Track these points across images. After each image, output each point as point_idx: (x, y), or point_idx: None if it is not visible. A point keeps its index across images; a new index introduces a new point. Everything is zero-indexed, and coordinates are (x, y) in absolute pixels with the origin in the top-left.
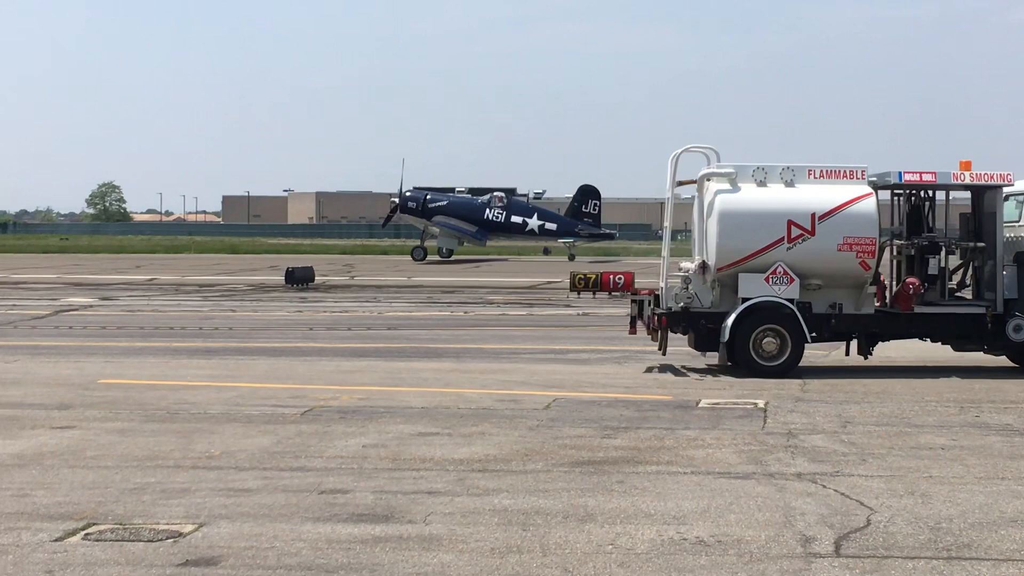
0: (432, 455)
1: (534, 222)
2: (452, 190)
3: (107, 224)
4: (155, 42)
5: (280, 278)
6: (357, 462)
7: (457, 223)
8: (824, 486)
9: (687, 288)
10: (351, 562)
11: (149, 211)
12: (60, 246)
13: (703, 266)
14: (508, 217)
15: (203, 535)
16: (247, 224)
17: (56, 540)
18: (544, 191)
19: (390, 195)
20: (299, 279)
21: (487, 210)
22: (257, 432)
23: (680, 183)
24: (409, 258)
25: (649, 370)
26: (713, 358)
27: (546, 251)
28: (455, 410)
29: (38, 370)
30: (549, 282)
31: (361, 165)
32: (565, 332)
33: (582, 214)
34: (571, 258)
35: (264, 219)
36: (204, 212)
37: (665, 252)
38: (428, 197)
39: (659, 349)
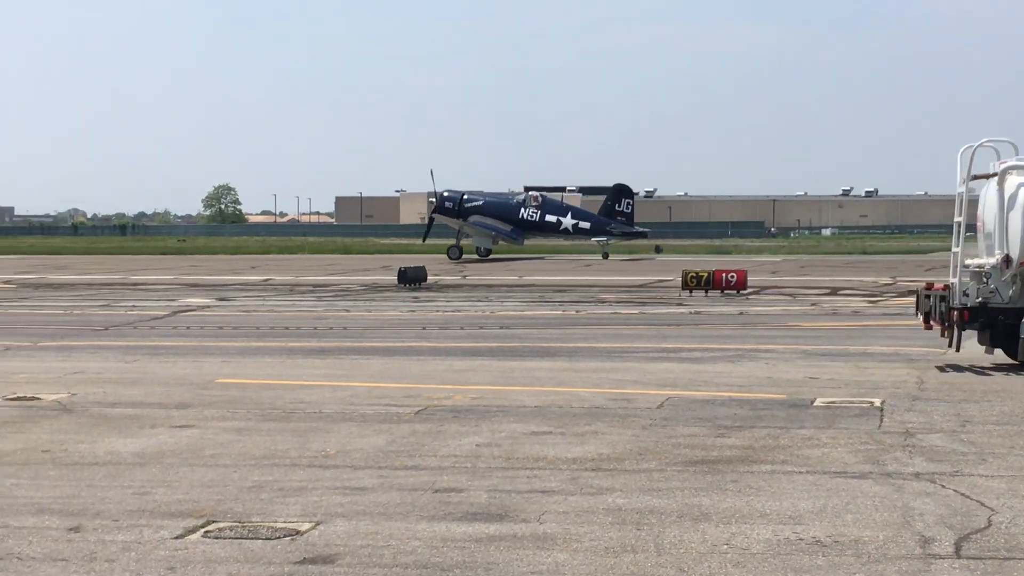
0: (545, 454)
1: (568, 221)
2: (563, 189)
3: (223, 225)
4: (268, 46)
5: (393, 278)
6: (471, 461)
7: (493, 223)
8: (943, 486)
9: (986, 283)
10: (466, 561)
11: (264, 212)
12: (177, 248)
13: (1006, 260)
14: (543, 216)
15: (320, 533)
16: (360, 224)
17: (176, 537)
18: (655, 189)
19: (503, 193)
20: (412, 279)
21: (522, 209)
22: (372, 431)
23: (975, 177)
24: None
25: (767, 369)
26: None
27: (658, 249)
28: (568, 409)
29: (157, 370)
30: (660, 280)
31: (471, 164)
32: (677, 331)
33: (616, 212)
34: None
35: (376, 219)
36: (317, 213)
37: (958, 248)
38: (464, 197)
39: (950, 346)
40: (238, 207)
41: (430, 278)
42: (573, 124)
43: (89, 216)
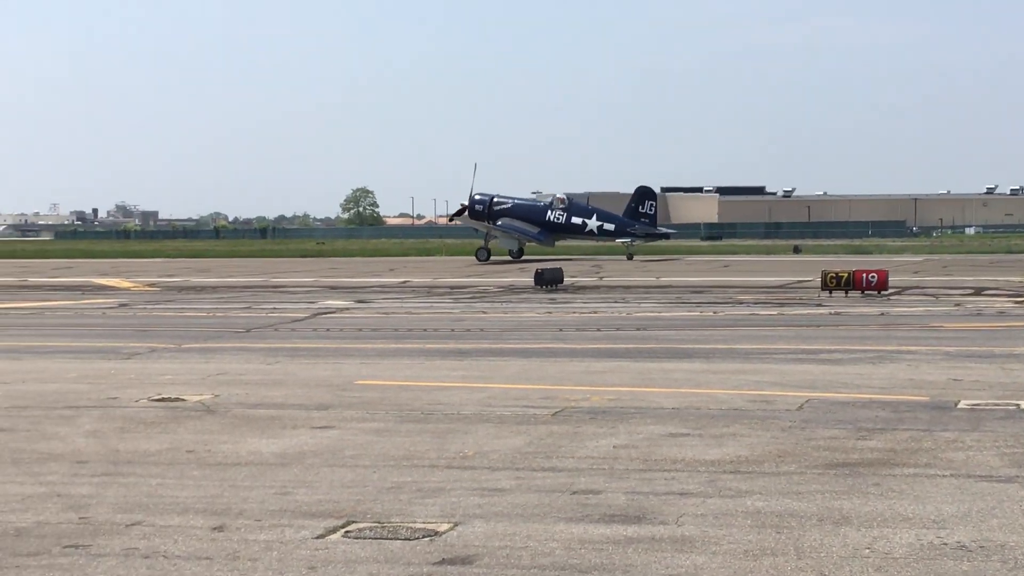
0: (683, 456)
1: (593, 223)
2: (700, 189)
3: (361, 228)
4: (407, 49)
5: (530, 279)
6: (608, 463)
7: (521, 225)
8: None
9: None
10: (604, 563)
11: (401, 215)
12: (317, 250)
13: None
14: (569, 218)
15: (458, 534)
16: None
17: (318, 537)
18: (794, 189)
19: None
20: (548, 280)
21: (549, 212)
22: (509, 432)
23: None
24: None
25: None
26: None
27: (796, 249)
28: (706, 411)
29: (298, 372)
30: (799, 281)
31: (602, 166)
32: (817, 332)
33: (639, 214)
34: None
35: None
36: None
37: None
38: (494, 200)
39: None
40: (376, 210)
41: (569, 279)
42: (710, 124)
43: (230, 220)
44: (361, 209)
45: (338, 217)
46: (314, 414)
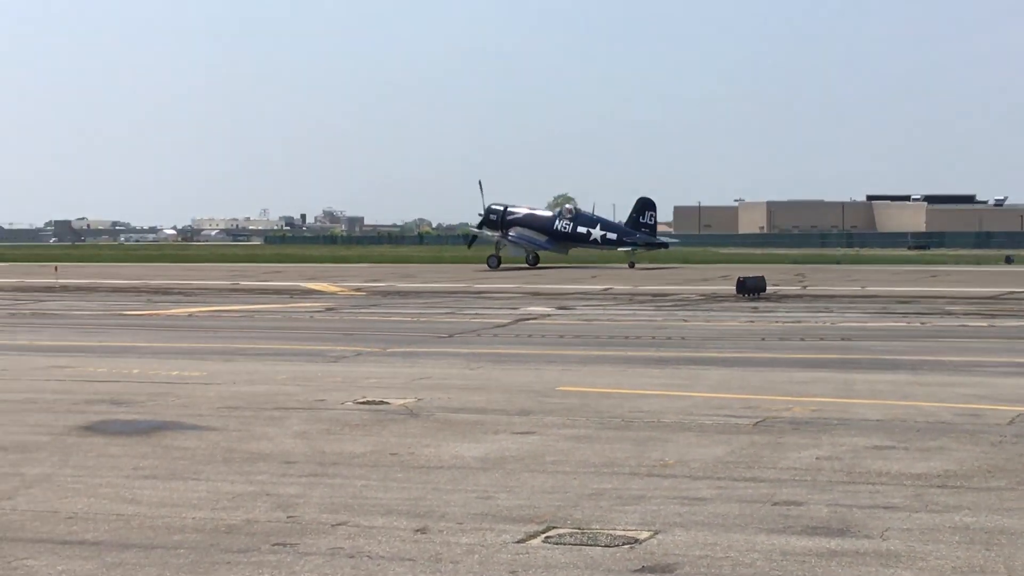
0: (888, 469)
1: (597, 232)
2: (907, 198)
3: None
4: (608, 62)
5: (731, 287)
6: (811, 474)
7: (530, 234)
8: None
9: None
10: (806, 575)
11: None
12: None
13: None
14: (575, 228)
15: (658, 542)
16: (698, 234)
17: (518, 542)
18: (1006, 197)
19: (842, 204)
20: (750, 289)
21: (557, 221)
22: (710, 442)
23: None
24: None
25: None
26: None
27: (1008, 259)
28: (912, 423)
29: (500, 377)
30: (1012, 292)
31: (810, 172)
32: None
33: (640, 224)
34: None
35: (714, 229)
36: (657, 222)
37: None
38: (507, 210)
39: None
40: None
41: (772, 288)
42: (919, 131)
43: (434, 226)
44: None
45: None
46: (515, 419)
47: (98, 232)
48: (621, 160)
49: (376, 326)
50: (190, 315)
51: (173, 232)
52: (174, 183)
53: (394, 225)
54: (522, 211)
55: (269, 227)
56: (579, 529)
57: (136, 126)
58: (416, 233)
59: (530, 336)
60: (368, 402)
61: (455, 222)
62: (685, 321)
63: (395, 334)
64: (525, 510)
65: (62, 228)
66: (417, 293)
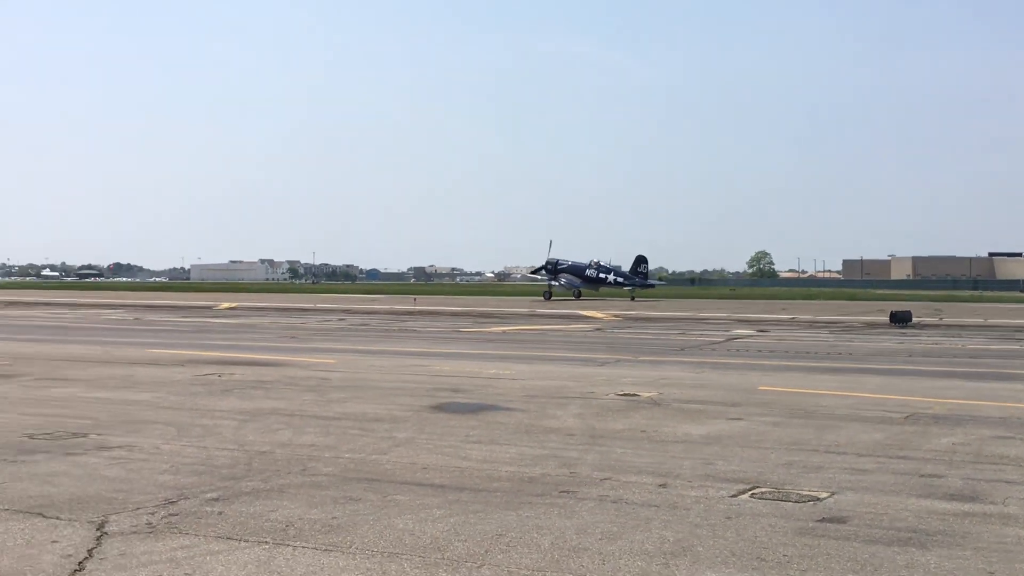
0: (1008, 453)
1: (612, 277)
2: (1020, 254)
3: (760, 279)
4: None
5: (885, 319)
6: (948, 455)
7: (571, 278)
8: None
9: None
10: (945, 529)
11: (790, 270)
12: (729, 295)
13: None
14: (598, 274)
15: (834, 501)
16: (860, 280)
17: (732, 496)
18: None
19: (969, 259)
20: (900, 319)
21: (588, 270)
22: (871, 429)
23: None
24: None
25: None
26: None
27: None
28: None
29: (716, 379)
30: None
31: (947, 231)
32: None
33: (637, 272)
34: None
35: (873, 276)
36: (828, 271)
37: None
38: (558, 262)
39: None
40: (771, 266)
41: (917, 319)
42: None
43: (668, 272)
44: (761, 266)
45: (744, 272)
46: (728, 409)
47: (441, 275)
48: (803, 220)
49: (629, 341)
50: (503, 332)
51: (492, 275)
52: (492, 238)
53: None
54: (567, 263)
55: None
56: (775, 489)
57: (470, 191)
58: (658, 278)
59: (738, 351)
60: (625, 394)
61: (683, 269)
62: (851, 341)
63: (643, 347)
64: (736, 474)
65: (419, 272)
66: (658, 320)
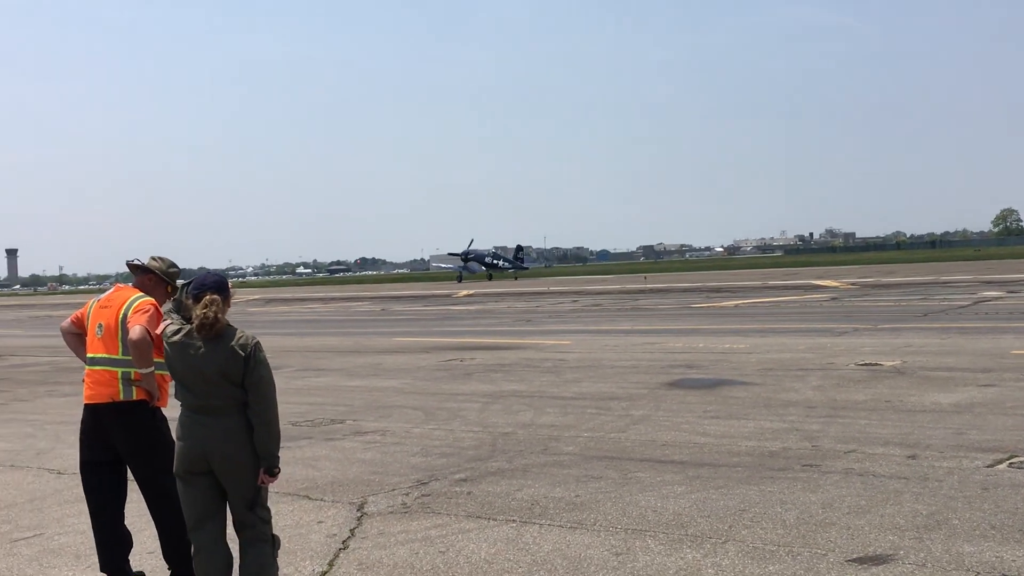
0: None
1: (502, 263)
2: None
3: (1007, 238)
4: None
5: None
6: None
7: (476, 265)
8: None
9: None
10: None
11: None
12: (974, 256)
13: None
14: (493, 261)
15: None
16: None
17: (988, 466)
18: None
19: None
20: None
21: (487, 257)
22: None
23: None
24: None
25: None
26: None
27: None
28: None
29: (964, 344)
30: None
31: None
32: None
33: (518, 258)
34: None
35: None
36: (524, 256)
37: None
38: (466, 252)
39: None
40: (1020, 223)
41: None
42: None
43: (907, 236)
44: (1008, 224)
45: (990, 231)
46: (979, 375)
47: (671, 252)
48: None
49: (868, 309)
50: (736, 306)
51: (721, 249)
52: (717, 211)
53: (877, 236)
54: (474, 253)
55: (786, 243)
56: None
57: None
58: (894, 242)
59: (986, 313)
60: (866, 364)
61: (922, 232)
62: None
63: (882, 315)
64: (991, 443)
65: (647, 250)
66: (898, 285)
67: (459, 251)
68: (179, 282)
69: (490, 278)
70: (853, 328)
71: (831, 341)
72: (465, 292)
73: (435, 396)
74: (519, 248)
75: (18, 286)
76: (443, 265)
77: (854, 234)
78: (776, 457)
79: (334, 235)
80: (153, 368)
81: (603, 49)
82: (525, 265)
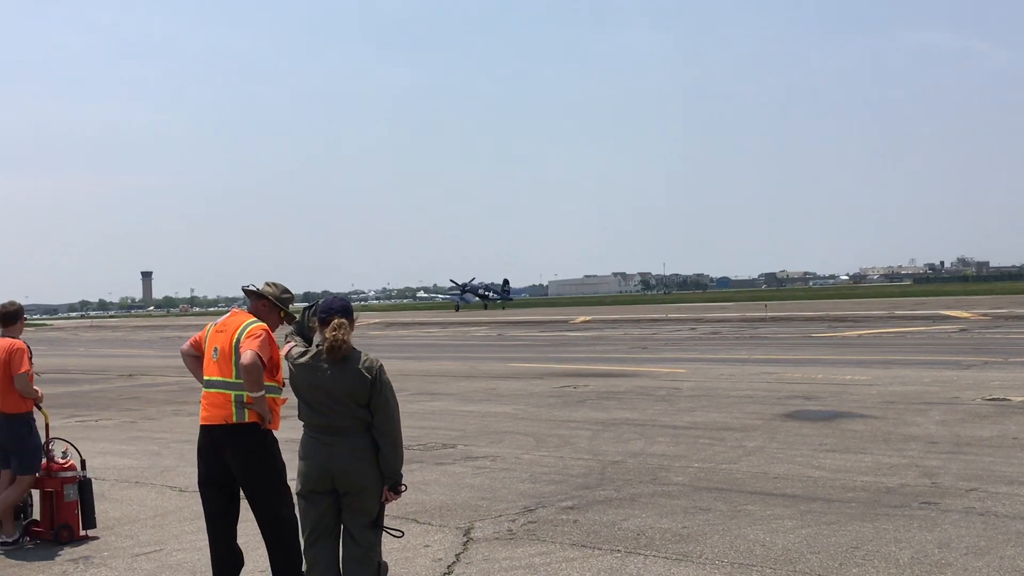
0: None
1: (491, 295)
2: None
3: None
4: None
5: None
6: None
7: (471, 296)
8: None
9: None
10: None
11: None
12: None
13: None
14: (485, 293)
15: None
16: None
17: None
18: None
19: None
20: None
21: (480, 289)
22: None
23: None
24: None
25: None
26: None
27: None
28: None
29: None
30: None
31: None
32: None
33: (504, 291)
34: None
35: None
36: (510, 289)
37: None
38: (464, 284)
39: None
40: None
41: None
42: None
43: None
44: None
45: None
46: None
47: (793, 279)
48: None
49: (999, 342)
50: (858, 336)
51: (846, 277)
52: (842, 237)
53: (1012, 266)
54: (470, 286)
55: (915, 271)
56: None
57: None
58: None
59: None
60: (993, 399)
61: None
62: None
63: (1014, 348)
64: None
65: (769, 277)
66: None
67: (460, 283)
68: (301, 304)
69: (485, 307)
70: (982, 361)
71: (958, 374)
72: (583, 318)
73: (547, 422)
74: (505, 282)
75: (152, 307)
76: (440, 296)
77: (988, 263)
78: (893, 493)
79: (447, 259)
80: (264, 392)
81: (729, 74)
82: (511, 297)
